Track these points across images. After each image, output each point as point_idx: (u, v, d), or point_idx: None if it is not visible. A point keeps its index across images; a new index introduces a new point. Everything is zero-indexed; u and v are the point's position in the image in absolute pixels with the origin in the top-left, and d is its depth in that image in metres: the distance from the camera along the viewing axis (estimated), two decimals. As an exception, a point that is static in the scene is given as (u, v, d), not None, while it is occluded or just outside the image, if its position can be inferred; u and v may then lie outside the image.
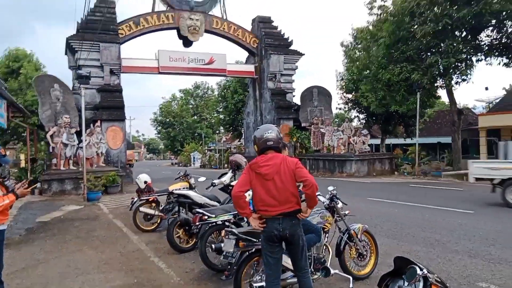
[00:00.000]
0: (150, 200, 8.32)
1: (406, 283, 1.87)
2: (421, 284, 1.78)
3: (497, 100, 29.32)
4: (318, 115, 26.45)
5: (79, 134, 15.87)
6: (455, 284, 4.84)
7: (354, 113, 31.36)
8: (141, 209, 8.27)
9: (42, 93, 18.22)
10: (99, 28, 18.75)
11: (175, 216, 7.42)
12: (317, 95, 27.28)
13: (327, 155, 24.07)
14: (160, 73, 25.38)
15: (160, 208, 8.32)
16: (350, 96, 28.76)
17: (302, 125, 26.68)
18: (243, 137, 38.80)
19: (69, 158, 16.06)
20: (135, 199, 8.66)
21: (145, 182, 8.85)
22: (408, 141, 28.09)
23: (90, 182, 13.78)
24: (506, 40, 19.54)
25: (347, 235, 4.90)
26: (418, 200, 11.83)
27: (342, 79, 28.62)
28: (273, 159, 3.31)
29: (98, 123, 18.71)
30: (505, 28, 19.36)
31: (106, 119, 20.66)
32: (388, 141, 31.24)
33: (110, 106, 21.29)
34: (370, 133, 25.11)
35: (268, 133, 3.38)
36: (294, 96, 28.67)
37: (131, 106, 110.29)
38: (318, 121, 25.75)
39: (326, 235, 4.79)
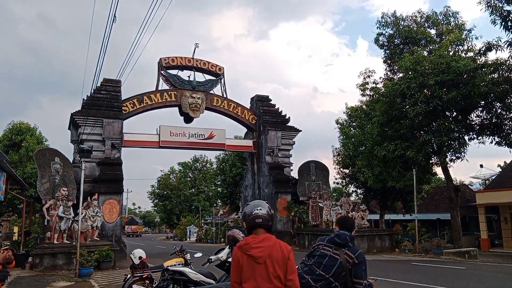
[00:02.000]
0: (144, 276, 8.08)
1: None
2: None
3: (493, 177, 29.62)
4: (316, 189, 26.53)
5: (75, 207, 15.77)
6: None
7: (351, 188, 31.47)
8: (134, 286, 7.99)
9: (42, 166, 18.44)
10: (104, 105, 19.51)
11: (169, 295, 7.18)
12: (315, 169, 27.64)
13: (326, 230, 23.64)
14: (160, 147, 25.94)
15: (154, 285, 8.05)
16: (347, 171, 29.08)
17: (300, 199, 26.64)
18: (240, 210, 38.41)
19: (64, 231, 15.80)
20: (128, 275, 8.41)
21: (140, 257, 8.65)
22: (407, 217, 27.84)
23: (83, 257, 13.42)
24: (496, 120, 20.28)
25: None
26: (421, 279, 11.49)
27: (338, 155, 29.15)
28: (266, 240, 3.05)
29: (95, 196, 18.68)
30: (494, 109, 20.19)
31: (104, 192, 20.68)
32: (387, 216, 30.92)
33: (109, 179, 21.43)
34: (368, 208, 24.98)
35: (257, 209, 3.14)
36: (291, 170, 29.03)
37: (129, 179, 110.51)
38: (316, 195, 25.76)
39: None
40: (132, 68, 10.34)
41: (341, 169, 29.50)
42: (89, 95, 22.66)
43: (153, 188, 65.58)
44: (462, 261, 17.43)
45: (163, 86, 26.12)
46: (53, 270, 14.15)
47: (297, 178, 27.85)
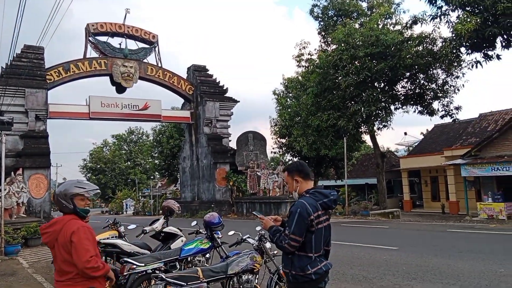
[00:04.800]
0: (75, 251, 7.83)
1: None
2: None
3: (416, 144, 32.05)
4: (254, 159, 27.01)
5: (-3, 183, 14.68)
6: (379, 318, 5.08)
7: (288, 156, 32.45)
8: (65, 261, 7.73)
9: (-44, 140, 16.79)
10: (25, 74, 18.04)
11: (102, 267, 7.04)
12: (253, 139, 28.03)
13: (263, 198, 24.41)
14: (91, 119, 24.69)
15: (86, 259, 7.84)
16: (283, 140, 29.83)
17: (238, 169, 27.02)
18: (179, 182, 38.16)
19: (-15, 209, 14.69)
20: (59, 251, 8.09)
21: (71, 232, 8.35)
22: (339, 182, 29.43)
23: (8, 235, 12.65)
24: (419, 90, 21.77)
25: (277, 276, 4.98)
26: (347, 238, 12.29)
27: (275, 125, 29.73)
28: (54, 225, 2.93)
29: (20, 171, 17.51)
30: (417, 80, 21.62)
31: (29, 167, 19.45)
32: (321, 183, 32.39)
33: (34, 153, 20.14)
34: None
35: (57, 191, 3.01)
36: (230, 141, 29.19)
37: (58, 152, 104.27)
38: (254, 164, 26.27)
39: (256, 276, 4.86)
40: (53, 33, 9.56)
41: (278, 139, 30.21)
42: (8, 63, 20.74)
43: (85, 162, 62.80)
44: (386, 221, 18.91)
45: (92, 54, 24.61)
46: (-26, 250, 13.19)
47: (235, 148, 28.11)
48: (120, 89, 25.06)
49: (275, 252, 5.38)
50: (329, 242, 3.08)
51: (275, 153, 33.00)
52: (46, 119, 21.83)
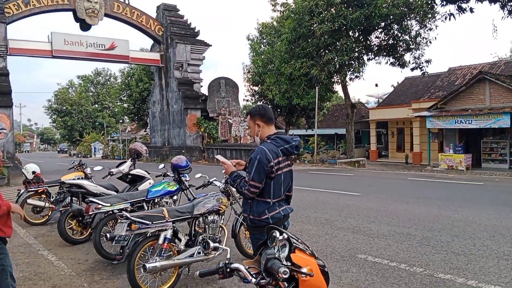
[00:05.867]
0: (39, 191, 7.74)
1: (272, 248, 2.02)
2: (287, 248, 1.95)
3: (385, 96, 32.55)
4: (226, 106, 26.80)
5: (-46, 121, 13.99)
6: (339, 257, 5.36)
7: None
8: (29, 201, 7.65)
9: None
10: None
11: (67, 208, 7.01)
12: (225, 86, 27.61)
13: (234, 145, 24.57)
14: (54, 57, 23.41)
15: (52, 199, 7.78)
16: (256, 88, 29.56)
17: (210, 116, 26.81)
18: (149, 126, 37.65)
19: None
20: (22, 190, 7.97)
21: (34, 172, 8.17)
22: (310, 132, 29.86)
23: (-31, 175, 12.30)
24: (392, 41, 21.71)
25: (242, 217, 5.11)
26: (314, 184, 12.71)
27: (248, 72, 29.26)
28: None
29: (-21, 110, 16.70)
30: (391, 31, 21.49)
31: (-11, 106, 18.55)
32: (291, 131, 32.83)
33: (-6, 91, 19.14)
34: (275, 125, 26.18)
35: None
36: (201, 86, 28.66)
37: (20, 92, 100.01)
38: (226, 111, 26.11)
39: (222, 217, 4.96)
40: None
41: (251, 87, 29.88)
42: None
43: (50, 103, 60.53)
44: (352, 169, 19.56)
45: (54, -14, 22.81)
46: None
47: (207, 94, 27.68)
48: (85, 26, 23.67)
49: (241, 194, 5.47)
50: (290, 187, 3.11)
51: (247, 101, 32.84)
52: (6, 56, 20.58)
